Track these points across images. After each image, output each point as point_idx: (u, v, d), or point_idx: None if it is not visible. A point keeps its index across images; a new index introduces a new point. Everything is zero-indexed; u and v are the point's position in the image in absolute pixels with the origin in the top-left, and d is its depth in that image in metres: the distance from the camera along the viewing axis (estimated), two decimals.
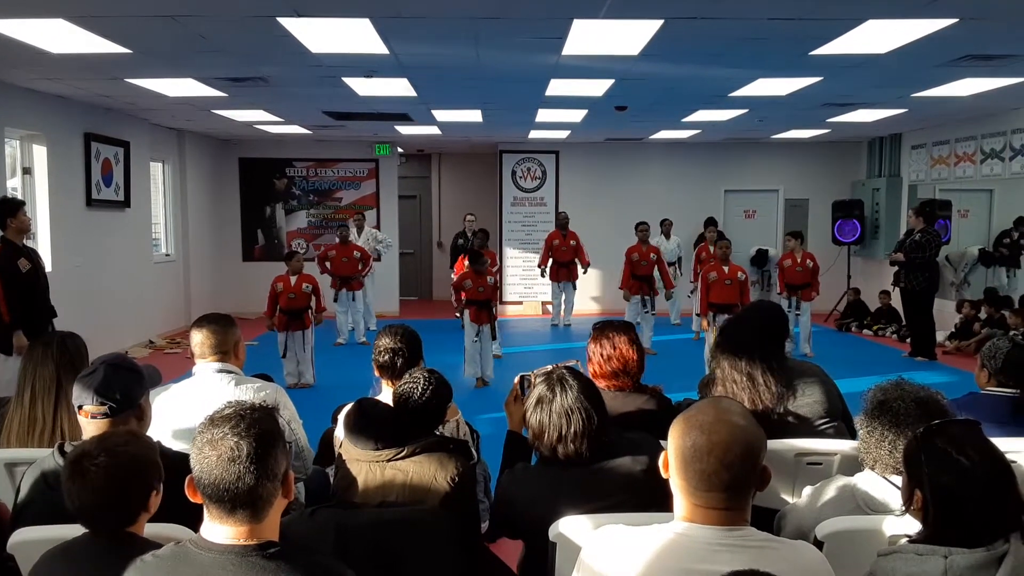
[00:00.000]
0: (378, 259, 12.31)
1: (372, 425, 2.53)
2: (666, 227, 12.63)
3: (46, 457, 2.39)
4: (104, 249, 9.73)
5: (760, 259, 13.32)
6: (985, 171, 10.62)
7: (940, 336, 10.69)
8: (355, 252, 10.87)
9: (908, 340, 10.26)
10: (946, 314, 10.99)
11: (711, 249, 11.36)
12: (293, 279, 8.30)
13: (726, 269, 8.80)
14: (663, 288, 11.03)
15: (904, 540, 1.91)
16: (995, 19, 5.48)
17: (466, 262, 9.82)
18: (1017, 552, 1.69)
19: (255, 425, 1.67)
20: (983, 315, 10.15)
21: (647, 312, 10.41)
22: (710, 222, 12.50)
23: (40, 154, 8.59)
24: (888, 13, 5.35)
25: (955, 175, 11.31)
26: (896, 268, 9.86)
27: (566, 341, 11.27)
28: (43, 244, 8.56)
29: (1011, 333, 8.88)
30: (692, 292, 10.87)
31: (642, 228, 10.76)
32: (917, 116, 10.52)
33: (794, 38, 6.05)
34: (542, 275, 12.69)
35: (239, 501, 1.63)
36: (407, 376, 2.80)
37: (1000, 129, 10.20)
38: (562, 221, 12.36)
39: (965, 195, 11.85)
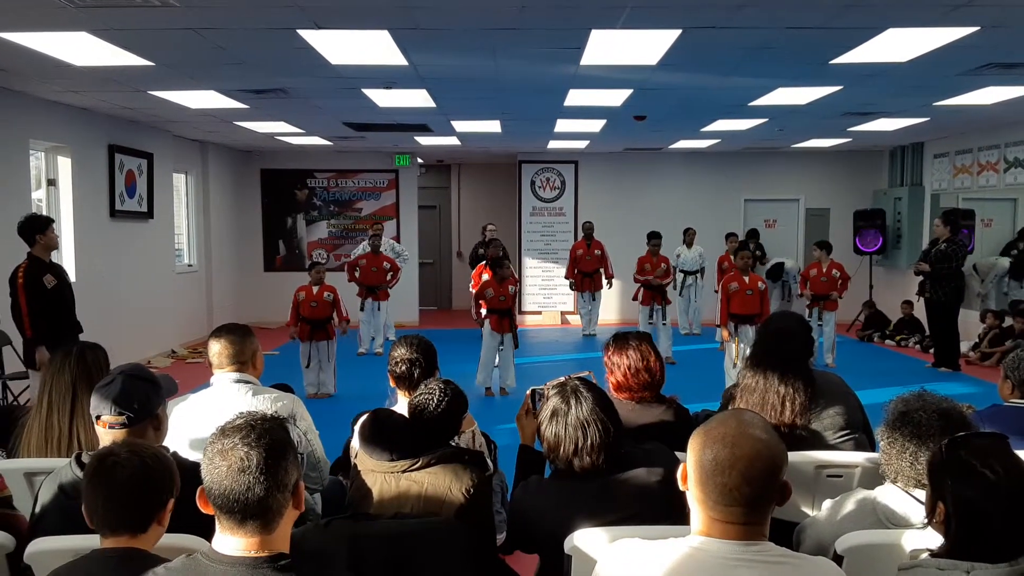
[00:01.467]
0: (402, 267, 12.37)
1: (387, 436, 2.53)
2: (689, 236, 12.59)
3: (63, 468, 2.40)
4: (127, 259, 9.83)
5: (775, 272, 13.22)
6: (1008, 180, 10.49)
7: (964, 347, 10.56)
8: (385, 263, 10.92)
9: (931, 351, 10.13)
10: (970, 324, 10.85)
11: (732, 259, 11.33)
12: (315, 289, 8.34)
13: (747, 279, 8.74)
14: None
15: (926, 554, 1.88)
16: (1017, 26, 5.42)
17: (484, 272, 9.84)
18: None
19: (265, 435, 1.67)
20: (1007, 325, 10.01)
21: (660, 323, 10.39)
22: (751, 234, 12.68)
23: (65, 166, 8.70)
24: (909, 22, 5.31)
25: (978, 184, 11.19)
26: (920, 279, 9.73)
27: (584, 351, 11.23)
28: (67, 255, 8.66)
29: None
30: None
31: (654, 242, 10.80)
32: (939, 125, 10.42)
33: (814, 47, 6.01)
34: (571, 288, 12.70)
35: (249, 512, 1.63)
36: (422, 387, 2.80)
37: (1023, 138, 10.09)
38: (587, 231, 12.36)
39: (988, 204, 11.73)
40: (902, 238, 12.64)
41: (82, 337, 6.29)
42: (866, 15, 5.14)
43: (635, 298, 10.81)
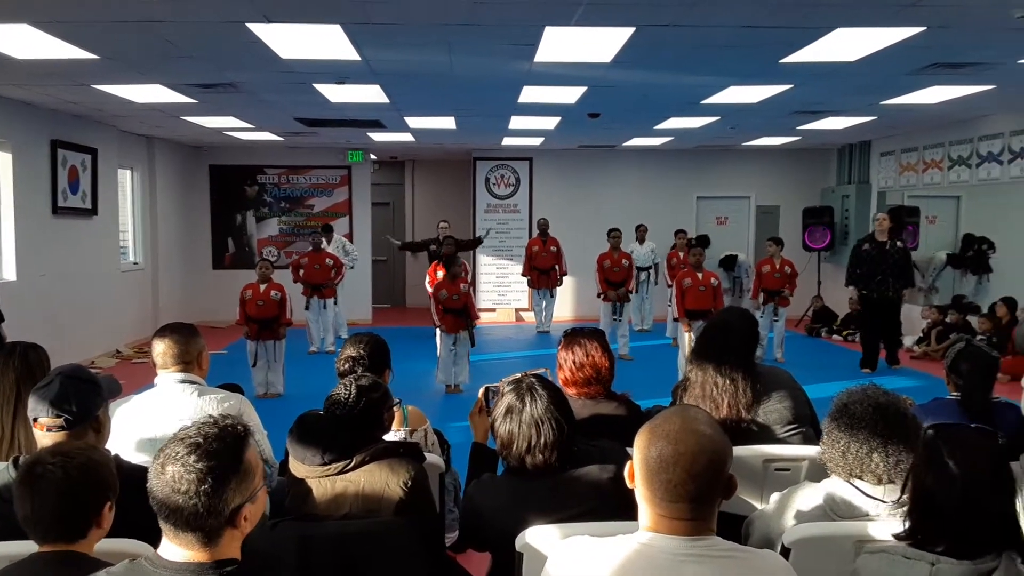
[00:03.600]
0: (352, 267, 12.25)
1: (316, 439, 2.49)
2: (640, 233, 12.68)
3: (1, 471, 2.33)
4: (71, 257, 9.58)
5: (729, 263, 13.41)
6: (952, 178, 10.76)
7: (908, 341, 10.80)
8: (327, 260, 10.80)
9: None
10: (912, 320, 11.11)
11: (680, 256, 11.47)
12: (262, 287, 8.19)
13: (700, 276, 8.86)
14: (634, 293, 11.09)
15: (891, 539, 1.90)
16: (961, 27, 5.55)
17: (439, 270, 9.79)
18: (1007, 570, 1.68)
19: (207, 458, 1.61)
20: (949, 320, 10.26)
21: (616, 319, 10.44)
22: (702, 240, 12.76)
23: (5, 161, 8.44)
24: (857, 21, 5.40)
25: (923, 182, 11.46)
26: (879, 277, 9.32)
27: (538, 348, 11.25)
28: (7, 253, 8.42)
29: (978, 338, 8.98)
30: (671, 300, 10.93)
31: (614, 235, 10.80)
32: (886, 123, 10.64)
33: (765, 46, 6.09)
34: (529, 285, 12.72)
35: (181, 526, 1.60)
36: (339, 384, 2.75)
37: (967, 136, 10.34)
38: (542, 227, 12.38)
39: (933, 201, 12.01)
40: (849, 235, 12.89)
41: (24, 334, 6.09)
42: (816, 14, 5.22)
43: (599, 295, 10.80)
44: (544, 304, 12.55)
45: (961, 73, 7.09)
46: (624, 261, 10.65)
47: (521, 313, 14.11)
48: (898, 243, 9.34)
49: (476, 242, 12.73)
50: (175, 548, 1.63)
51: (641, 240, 12.66)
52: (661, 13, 5.16)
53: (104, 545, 2.02)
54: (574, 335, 3.22)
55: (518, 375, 2.59)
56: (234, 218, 13.76)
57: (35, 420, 2.36)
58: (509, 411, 2.44)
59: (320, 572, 2.11)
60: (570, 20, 5.29)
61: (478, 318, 9.08)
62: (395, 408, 2.88)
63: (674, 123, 10.37)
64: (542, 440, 2.38)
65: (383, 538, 2.28)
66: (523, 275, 12.60)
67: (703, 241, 13.17)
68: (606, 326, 10.19)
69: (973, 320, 9.99)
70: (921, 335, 10.71)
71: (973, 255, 11.16)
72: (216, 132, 11.24)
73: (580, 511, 2.32)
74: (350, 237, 13.52)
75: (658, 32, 5.62)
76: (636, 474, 1.70)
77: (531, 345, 11.74)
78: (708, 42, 5.96)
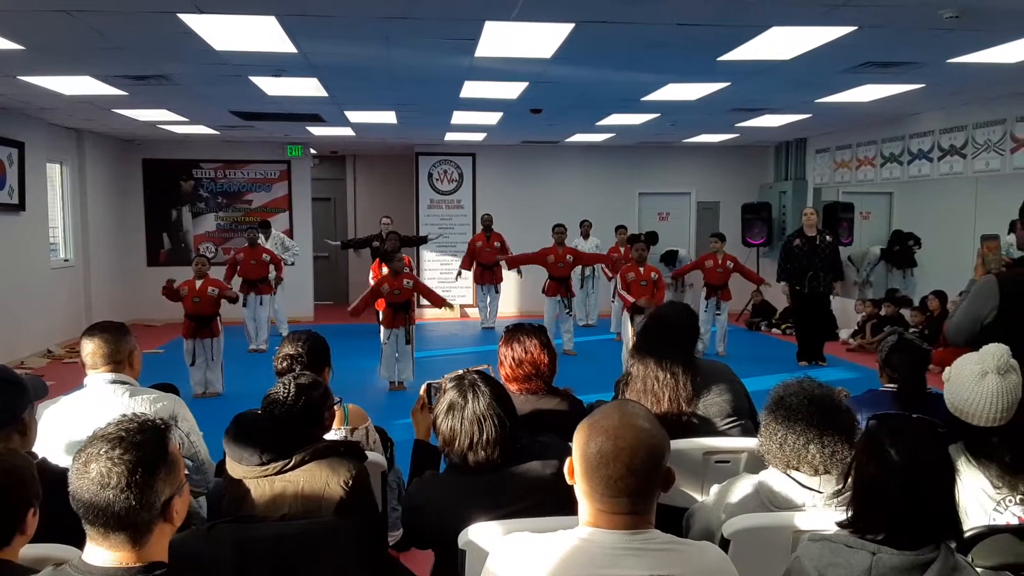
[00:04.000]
0: (292, 264, 12.08)
1: (254, 440, 2.44)
2: (584, 228, 12.76)
3: None
4: None
5: (669, 258, 13.58)
6: (885, 174, 11.05)
7: (844, 334, 11.08)
8: (264, 255, 10.62)
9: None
10: (848, 312, 11.40)
11: (621, 251, 11.58)
12: (198, 283, 8.01)
13: (642, 270, 8.99)
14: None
15: (829, 528, 1.93)
16: (892, 27, 5.68)
17: (383, 266, 9.70)
18: (945, 561, 1.71)
19: (133, 449, 1.57)
20: (883, 313, 10.54)
21: (567, 313, 10.48)
22: (650, 237, 12.82)
23: None
24: (791, 20, 5.50)
25: (857, 178, 11.75)
26: (811, 272, 9.46)
27: (483, 344, 11.24)
28: None
29: (911, 331, 9.25)
30: (615, 296, 10.99)
31: (558, 230, 10.83)
32: (821, 121, 10.88)
33: (702, 44, 6.16)
34: (457, 277, 12.67)
35: (111, 526, 1.54)
36: (277, 383, 2.70)
37: (899, 134, 10.63)
38: (486, 223, 12.36)
39: (867, 198, 12.33)
40: (787, 230, 13.13)
41: None
42: (751, 12, 5.29)
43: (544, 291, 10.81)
44: (488, 300, 12.54)
45: (892, 72, 7.28)
46: (568, 256, 10.68)
47: (466, 309, 14.07)
48: (827, 237, 9.54)
49: (421, 240, 12.62)
50: (102, 551, 1.58)
51: (585, 236, 12.73)
52: (599, 9, 5.18)
53: (29, 551, 1.95)
54: (514, 331, 3.21)
55: (460, 372, 2.57)
56: (169, 213, 13.44)
57: None
58: (451, 408, 2.42)
59: (258, 575, 2.06)
60: (510, 15, 5.27)
61: (443, 302, 8.97)
62: (335, 407, 2.84)
63: (616, 119, 10.44)
64: (484, 436, 2.37)
65: (323, 539, 2.24)
66: (461, 267, 12.50)
67: (651, 238, 13.29)
68: (550, 322, 10.22)
69: (905, 313, 10.28)
70: (856, 328, 10.99)
71: (899, 250, 11.49)
72: (149, 125, 10.95)
73: (522, 507, 2.32)
74: (290, 233, 13.32)
75: (597, 28, 5.65)
76: (576, 470, 1.70)
77: (476, 341, 11.72)
78: (646, 39, 6.01)
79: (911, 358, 3.30)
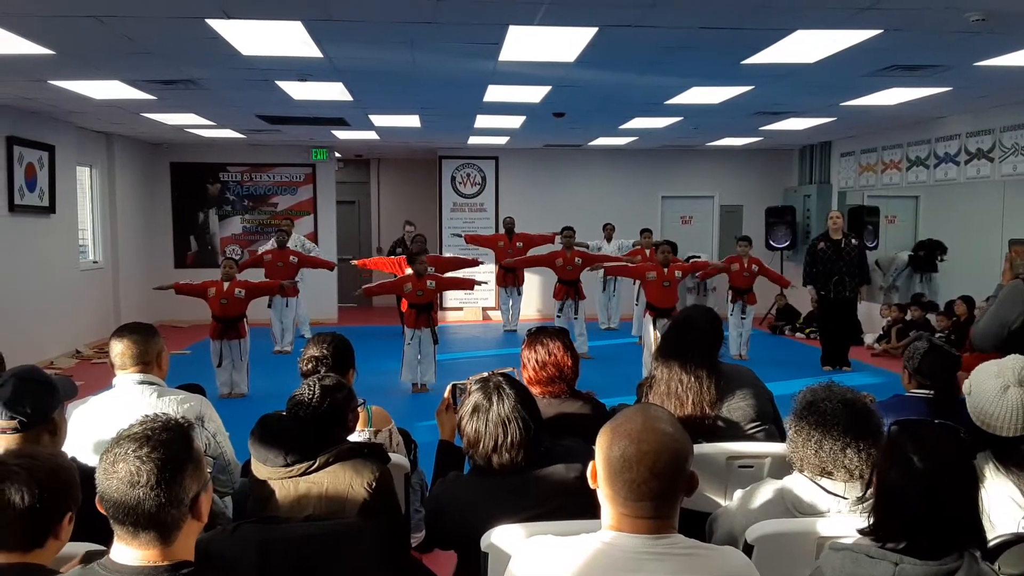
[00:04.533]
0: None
1: (279, 441, 2.46)
2: (608, 231, 12.74)
3: None
4: (28, 256, 9.39)
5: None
6: (911, 178, 10.94)
7: (869, 338, 10.98)
8: (292, 257, 10.71)
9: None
10: (873, 317, 11.29)
11: (647, 254, 11.54)
12: (226, 285, 8.10)
13: (665, 271, 8.97)
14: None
15: (853, 535, 1.91)
16: (918, 30, 5.64)
17: (407, 268, 9.74)
18: (969, 569, 1.68)
19: (160, 448, 1.60)
20: (909, 317, 10.44)
21: (573, 317, 10.45)
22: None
23: None
24: (816, 23, 5.47)
25: (882, 182, 11.64)
26: (836, 277, 9.41)
27: (506, 347, 11.25)
28: None
29: (937, 335, 9.15)
30: (637, 299, 10.95)
31: (567, 234, 10.85)
32: (846, 124, 10.80)
33: (726, 47, 6.14)
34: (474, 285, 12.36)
35: (141, 524, 1.57)
36: (302, 384, 2.73)
37: (925, 137, 10.52)
38: (508, 226, 12.35)
39: (892, 201, 12.22)
40: (811, 234, 13.05)
41: None
42: (775, 16, 5.27)
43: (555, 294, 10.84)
44: (511, 303, 12.55)
45: (918, 75, 7.21)
46: (577, 260, 10.69)
47: (488, 312, 14.10)
48: (853, 240, 9.45)
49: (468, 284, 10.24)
50: (130, 550, 1.60)
51: (609, 238, 12.71)
52: (622, 14, 5.18)
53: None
54: (537, 334, 3.22)
55: (485, 374, 2.58)
56: (196, 216, 13.59)
57: None
58: (476, 409, 2.43)
59: (281, 575, 2.08)
60: (533, 19, 5.29)
61: (472, 283, 9.02)
62: (359, 408, 2.86)
63: (639, 123, 10.42)
64: (509, 439, 2.37)
65: (346, 540, 2.26)
66: (467, 242, 12.35)
67: (671, 246, 13.23)
68: (556, 322, 10.22)
69: (931, 317, 10.17)
70: (881, 332, 10.89)
71: (924, 256, 11.38)
72: (177, 129, 11.08)
73: (546, 510, 2.32)
74: (315, 235, 13.42)
75: (620, 32, 5.65)
76: (599, 473, 1.70)
77: (498, 344, 11.73)
78: (669, 43, 6.00)
79: (943, 364, 3.27)
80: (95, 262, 11.63)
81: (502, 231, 12.68)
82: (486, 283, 9.34)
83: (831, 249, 9.33)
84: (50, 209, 9.87)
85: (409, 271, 8.66)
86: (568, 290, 10.57)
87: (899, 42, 5.95)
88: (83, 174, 11.34)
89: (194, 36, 5.67)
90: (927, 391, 3.22)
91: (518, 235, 12.25)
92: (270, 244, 11.26)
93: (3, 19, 5.26)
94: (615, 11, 5.13)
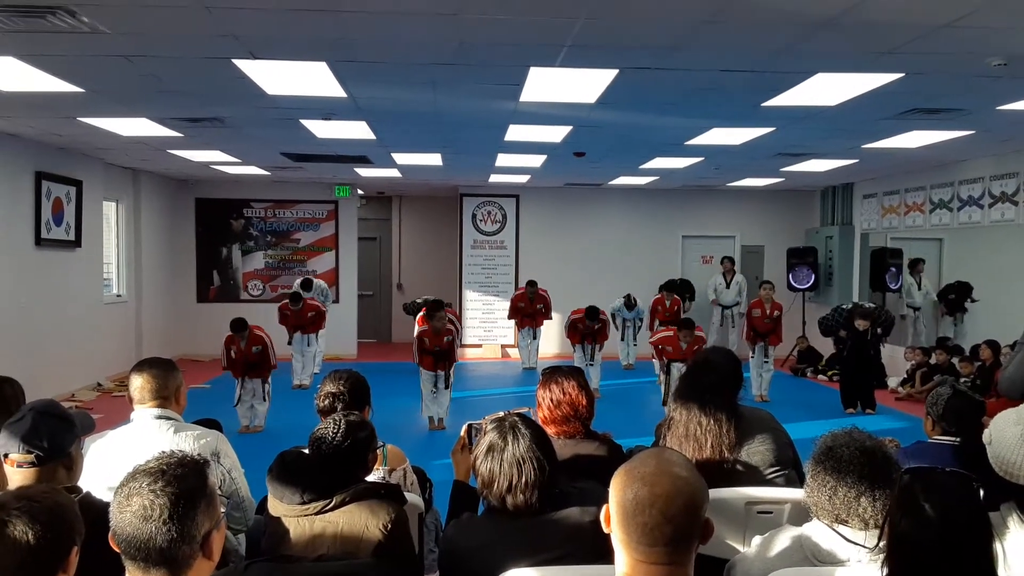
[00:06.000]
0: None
1: (296, 478, 2.45)
2: (725, 267, 12.94)
3: None
4: (53, 289, 9.51)
5: (631, 304, 13.48)
6: (934, 220, 10.88)
7: (893, 382, 10.83)
8: (310, 313, 10.83)
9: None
10: (897, 360, 11.15)
11: (666, 304, 11.62)
12: (242, 344, 8.19)
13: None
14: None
15: None
16: (939, 74, 5.64)
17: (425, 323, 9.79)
18: None
19: (175, 482, 1.60)
20: (934, 361, 10.30)
21: (589, 364, 10.45)
22: (685, 285, 13.10)
23: None
24: (837, 67, 5.49)
25: (905, 224, 11.58)
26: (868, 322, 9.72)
27: (523, 385, 11.21)
28: None
29: (962, 380, 9.01)
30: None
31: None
32: (868, 166, 10.77)
33: (746, 89, 6.17)
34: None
35: (152, 560, 1.56)
36: (324, 421, 2.72)
37: (948, 180, 10.47)
38: (531, 292, 12.33)
39: (916, 244, 12.13)
40: (833, 275, 12.99)
41: (3, 368, 6.03)
42: (796, 59, 5.29)
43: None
44: (529, 342, 12.56)
45: (939, 119, 7.20)
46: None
47: (507, 349, 14.08)
48: (878, 330, 9.82)
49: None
50: None
51: (728, 283, 13.00)
52: (643, 56, 5.23)
53: None
54: (552, 373, 3.20)
55: (501, 413, 2.57)
56: (219, 251, 13.74)
57: (6, 456, 2.31)
58: (491, 449, 2.41)
59: None
60: (554, 61, 5.35)
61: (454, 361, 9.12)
62: (377, 449, 2.85)
63: (659, 163, 10.45)
64: (523, 480, 2.34)
65: None
66: (509, 318, 12.77)
67: (685, 287, 13.28)
68: (579, 363, 10.22)
69: (955, 362, 10.03)
70: (905, 376, 10.75)
71: (955, 299, 11.26)
72: (202, 166, 11.25)
73: (559, 554, 2.29)
74: (336, 271, 13.55)
75: (640, 74, 5.69)
76: (612, 517, 1.68)
77: (516, 382, 11.69)
78: (690, 85, 6.04)
79: (968, 410, 3.22)
80: (119, 295, 11.76)
81: (522, 284, 12.78)
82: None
83: (852, 338, 9.68)
84: (76, 243, 10.01)
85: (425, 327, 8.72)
86: (586, 336, 10.68)
87: (920, 86, 5.96)
88: (109, 209, 11.52)
89: (221, 76, 5.78)
90: (951, 438, 3.17)
91: (540, 297, 12.35)
92: (296, 284, 11.46)
93: (35, 58, 5.39)
94: (636, 54, 5.17)
